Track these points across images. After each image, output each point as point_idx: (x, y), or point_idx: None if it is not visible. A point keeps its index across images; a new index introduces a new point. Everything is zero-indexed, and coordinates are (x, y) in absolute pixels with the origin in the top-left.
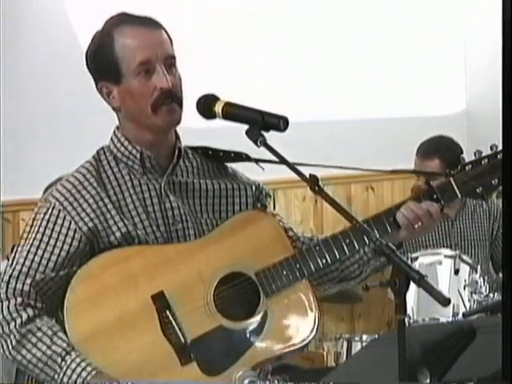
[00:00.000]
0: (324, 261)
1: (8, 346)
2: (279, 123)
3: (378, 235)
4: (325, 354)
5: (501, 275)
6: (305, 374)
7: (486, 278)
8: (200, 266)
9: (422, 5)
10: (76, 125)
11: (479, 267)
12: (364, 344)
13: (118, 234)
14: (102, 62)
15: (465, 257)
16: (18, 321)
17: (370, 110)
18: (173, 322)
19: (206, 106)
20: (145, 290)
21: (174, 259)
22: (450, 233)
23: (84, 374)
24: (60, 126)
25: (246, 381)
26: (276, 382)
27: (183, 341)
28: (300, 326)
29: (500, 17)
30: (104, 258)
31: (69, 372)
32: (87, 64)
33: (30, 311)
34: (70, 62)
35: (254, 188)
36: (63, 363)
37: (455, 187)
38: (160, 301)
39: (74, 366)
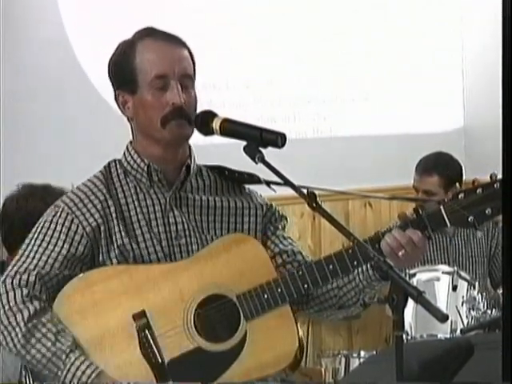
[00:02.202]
0: (306, 286)
1: (13, 339)
2: (277, 140)
3: (362, 261)
4: (323, 370)
5: (499, 291)
6: None
7: (484, 294)
8: (182, 286)
9: (419, 21)
10: (75, 141)
11: (477, 284)
12: (362, 360)
13: (115, 244)
14: (122, 71)
15: (463, 273)
16: (25, 314)
17: (368, 127)
18: (151, 341)
19: (204, 122)
20: (126, 309)
21: (158, 279)
22: (448, 249)
23: (88, 371)
24: (58, 142)
25: None
26: None
27: (160, 361)
28: (277, 351)
29: (499, 34)
30: (90, 275)
31: (73, 369)
32: (109, 72)
33: (37, 304)
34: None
35: (264, 208)
36: (67, 360)
37: (445, 215)
38: (141, 320)
39: (78, 363)
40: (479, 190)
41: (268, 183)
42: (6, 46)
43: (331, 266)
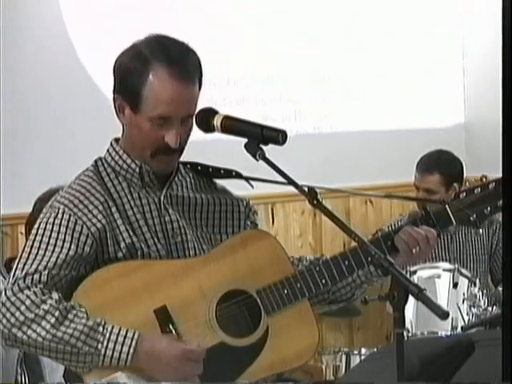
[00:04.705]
0: (324, 281)
1: (45, 326)
2: (278, 137)
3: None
4: (324, 367)
5: (499, 289)
6: None
7: (484, 291)
8: (202, 282)
9: (420, 18)
10: (74, 138)
11: (478, 281)
12: (363, 357)
13: (122, 245)
14: (127, 83)
15: (463, 270)
16: (51, 301)
17: (368, 123)
18: (175, 336)
19: (205, 119)
20: (147, 304)
21: (177, 274)
22: (449, 246)
23: (130, 334)
24: (58, 139)
25: None
26: None
27: None
28: (300, 345)
29: (499, 30)
30: (107, 270)
31: (113, 337)
32: (114, 69)
33: (57, 293)
34: (66, 77)
35: (244, 204)
36: (105, 330)
37: (451, 214)
38: (163, 315)
39: (116, 330)
40: (477, 190)
41: (247, 179)
42: (5, 44)
43: (347, 262)
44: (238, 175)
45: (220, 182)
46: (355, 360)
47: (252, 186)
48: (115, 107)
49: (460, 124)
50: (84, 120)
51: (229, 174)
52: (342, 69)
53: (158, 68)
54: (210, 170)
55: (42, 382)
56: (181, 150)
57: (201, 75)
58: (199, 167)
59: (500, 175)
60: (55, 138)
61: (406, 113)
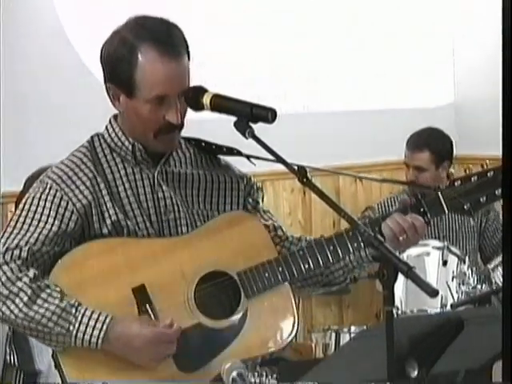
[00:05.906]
0: (307, 266)
1: (18, 304)
2: (267, 115)
3: (362, 244)
4: (313, 345)
5: (488, 266)
6: (293, 366)
7: (474, 269)
8: (183, 262)
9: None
10: (64, 118)
11: (467, 258)
12: (352, 335)
13: (108, 222)
14: (118, 71)
15: (453, 248)
16: (26, 278)
17: (358, 101)
18: (152, 316)
19: (194, 97)
20: (126, 283)
21: (158, 254)
22: (439, 224)
23: (101, 318)
24: (47, 118)
25: (234, 373)
26: (264, 373)
27: None
28: (278, 330)
29: (489, 13)
30: (88, 247)
31: (85, 319)
32: (101, 59)
33: (34, 270)
34: (62, 63)
35: (245, 181)
36: (77, 313)
37: (443, 202)
38: (141, 294)
39: (88, 313)
40: (474, 179)
41: (248, 157)
42: (4, 39)
43: (332, 247)
44: (239, 153)
45: (226, 158)
46: (345, 338)
47: (254, 164)
48: (109, 96)
49: (450, 103)
50: (75, 101)
51: (230, 151)
52: (331, 48)
53: (145, 50)
54: (214, 146)
55: (31, 361)
56: (181, 126)
57: (187, 46)
58: (203, 144)
59: (490, 153)
60: (45, 118)
61: (396, 92)
